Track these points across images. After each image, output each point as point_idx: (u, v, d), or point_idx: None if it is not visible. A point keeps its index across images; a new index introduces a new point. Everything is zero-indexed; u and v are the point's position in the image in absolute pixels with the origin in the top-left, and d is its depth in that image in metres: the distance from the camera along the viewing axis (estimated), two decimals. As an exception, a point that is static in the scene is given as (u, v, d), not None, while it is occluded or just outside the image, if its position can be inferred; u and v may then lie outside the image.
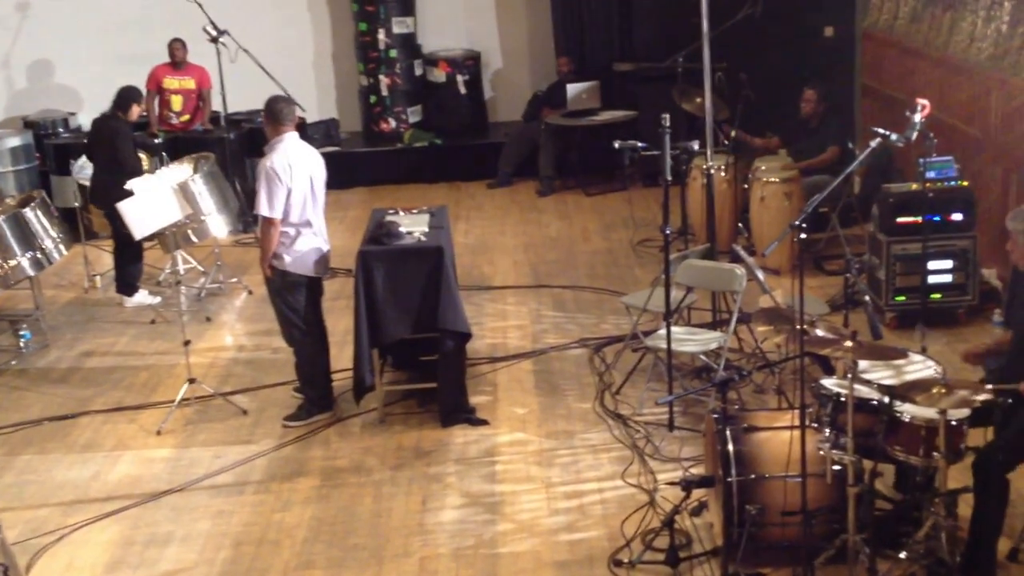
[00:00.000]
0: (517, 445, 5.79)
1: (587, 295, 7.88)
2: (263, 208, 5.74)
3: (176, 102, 10.02)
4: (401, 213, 6.57)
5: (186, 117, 10.06)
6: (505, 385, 6.52)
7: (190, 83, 10.02)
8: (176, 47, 9.92)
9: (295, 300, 5.99)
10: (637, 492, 5.20)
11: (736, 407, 5.57)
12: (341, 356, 6.45)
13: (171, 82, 9.98)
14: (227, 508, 5.33)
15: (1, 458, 5.93)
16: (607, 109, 10.70)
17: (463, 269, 7.95)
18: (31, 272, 7.15)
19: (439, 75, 11.63)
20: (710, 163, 6.94)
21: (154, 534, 5.12)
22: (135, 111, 7.97)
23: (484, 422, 6.03)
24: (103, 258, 8.83)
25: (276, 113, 5.93)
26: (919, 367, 4.56)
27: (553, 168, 10.73)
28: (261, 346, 7.31)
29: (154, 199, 6.36)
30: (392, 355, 6.55)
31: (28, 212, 7.13)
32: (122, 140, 7.84)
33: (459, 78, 11.63)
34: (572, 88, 10.65)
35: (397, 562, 4.81)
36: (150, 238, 6.96)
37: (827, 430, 4.35)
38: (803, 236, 4.20)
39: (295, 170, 5.80)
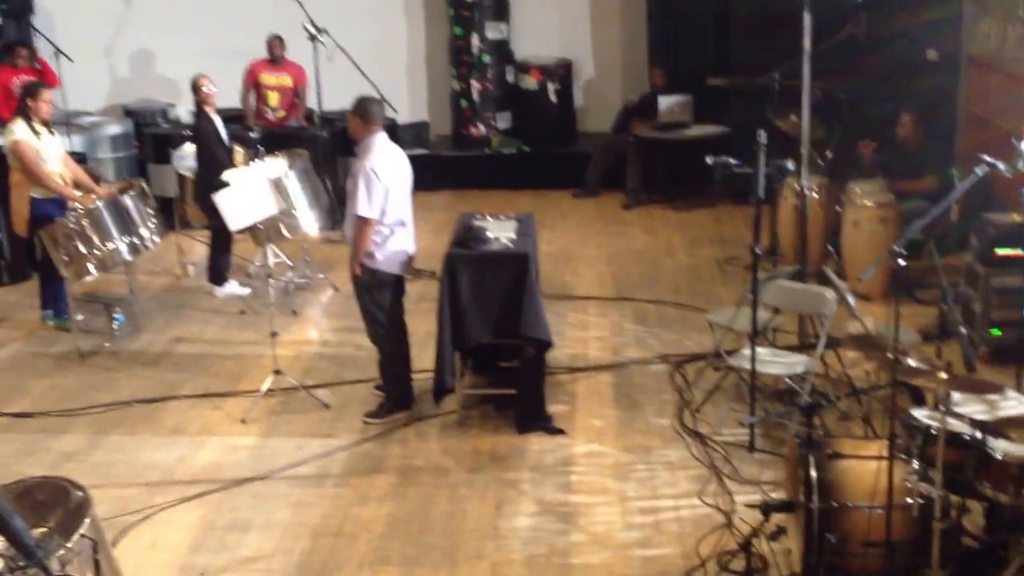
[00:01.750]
0: (593, 456, 5.79)
1: (670, 310, 7.84)
2: (362, 208, 5.82)
3: (272, 98, 10.21)
4: (488, 218, 6.61)
5: (282, 113, 10.24)
6: (583, 396, 6.52)
7: (287, 80, 10.20)
8: (275, 43, 10.11)
9: (382, 298, 6.07)
10: (714, 512, 5.16)
11: (820, 433, 5.49)
12: (422, 357, 6.51)
13: (268, 78, 10.17)
14: (306, 499, 5.41)
15: (91, 436, 6.10)
16: (698, 124, 10.62)
17: (545, 277, 7.95)
18: (128, 257, 7.32)
19: (530, 82, 11.68)
20: (804, 183, 6.86)
21: (235, 520, 5.22)
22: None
23: (561, 431, 6.03)
24: (196, 247, 9.03)
25: (368, 114, 6.00)
26: (1014, 404, 4.46)
27: (640, 181, 10.69)
28: (344, 342, 7.41)
29: (251, 192, 6.48)
30: (472, 359, 6.59)
31: (127, 199, 7.31)
32: (202, 136, 8.01)
33: (550, 86, 11.66)
34: (664, 101, 10.61)
35: (470, 564, 4.84)
36: (243, 230, 7.11)
37: (915, 462, 4.27)
38: (901, 263, 4.14)
39: (392, 171, 5.90)
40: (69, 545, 3.40)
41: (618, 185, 10.81)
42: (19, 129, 7.16)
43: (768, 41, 9.70)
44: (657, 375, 6.75)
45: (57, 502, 3.71)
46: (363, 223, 5.86)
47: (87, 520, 3.60)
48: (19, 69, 9.57)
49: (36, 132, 7.22)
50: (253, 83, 10.19)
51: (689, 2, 11.11)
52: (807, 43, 6.66)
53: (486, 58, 11.54)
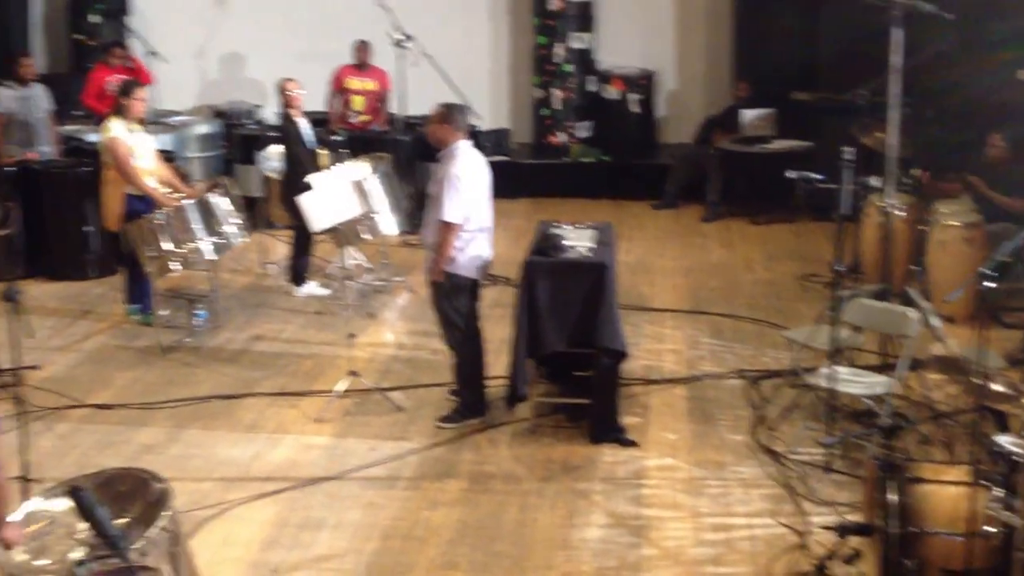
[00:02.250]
0: (666, 470, 5.74)
1: (747, 325, 7.76)
2: (448, 213, 5.86)
3: (357, 102, 10.33)
4: (567, 227, 6.61)
5: (365, 117, 10.37)
6: (657, 408, 6.47)
7: (371, 85, 10.32)
8: (361, 49, 10.24)
9: (460, 303, 6.10)
10: (788, 533, 5.07)
11: (900, 456, 5.37)
12: (495, 364, 6.52)
13: (353, 82, 10.31)
14: (378, 501, 5.45)
15: (170, 430, 6.22)
16: (781, 138, 10.51)
17: (622, 288, 7.87)
18: (211, 255, 7.45)
19: (612, 92, 11.66)
20: (890, 201, 6.73)
21: (308, 518, 5.28)
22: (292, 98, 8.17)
23: (634, 443, 6.00)
24: (277, 247, 9.17)
25: (454, 120, 6.05)
26: (1104, 434, 4.31)
27: (720, 194, 10.61)
28: (420, 346, 7.46)
29: (333, 194, 6.56)
30: (546, 367, 6.58)
31: (213, 198, 7.45)
32: (288, 138, 8.13)
33: (632, 96, 11.63)
34: (747, 114, 10.52)
35: (539, 574, 4.83)
36: (324, 232, 7.20)
37: (998, 490, 4.15)
38: (991, 285, 4.04)
39: (475, 177, 5.94)
40: (148, 536, 3.46)
41: (697, 198, 10.74)
42: (115, 127, 7.35)
43: (856, 56, 9.58)
44: (732, 390, 6.67)
45: (138, 493, 3.77)
46: (447, 228, 5.90)
47: (167, 513, 3.66)
48: (113, 68, 9.82)
49: (131, 130, 7.40)
50: (339, 87, 10.33)
51: (776, 14, 11.00)
52: (896, 59, 6.55)
53: (569, 67, 11.55)
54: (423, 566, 4.89)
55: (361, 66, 10.29)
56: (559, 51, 11.51)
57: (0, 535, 3.31)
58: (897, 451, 5.10)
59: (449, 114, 6.05)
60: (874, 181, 6.46)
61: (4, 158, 8.77)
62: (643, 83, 11.67)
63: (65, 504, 3.89)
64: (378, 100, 10.40)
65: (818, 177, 6.58)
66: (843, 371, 5.88)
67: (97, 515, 2.92)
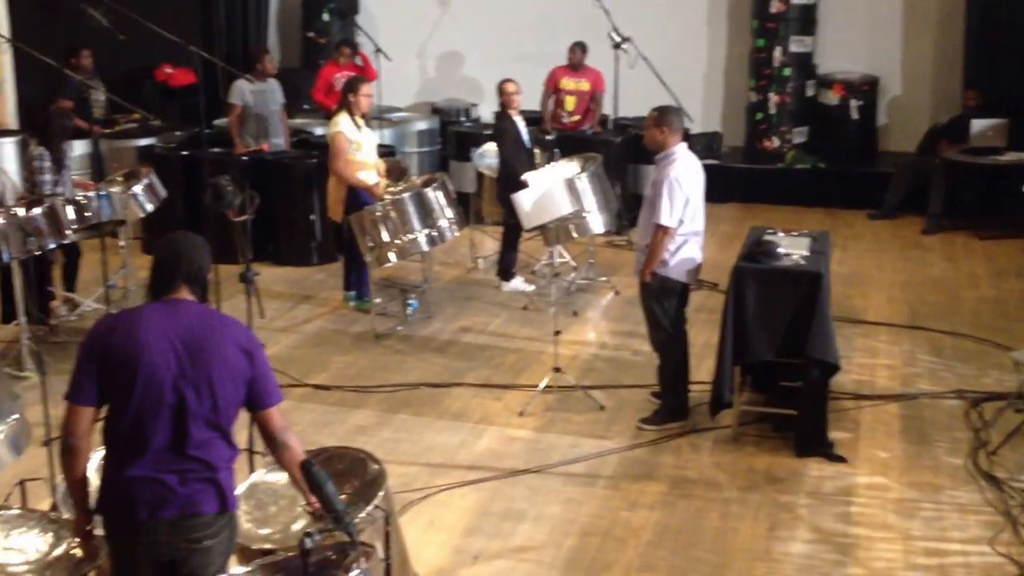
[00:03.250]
0: (876, 489, 5.54)
1: (968, 344, 7.38)
2: (664, 217, 5.85)
3: (570, 102, 10.43)
4: (781, 234, 6.47)
5: (577, 117, 10.45)
6: (868, 425, 6.25)
7: (585, 85, 10.40)
8: (575, 51, 10.32)
9: (669, 305, 6.08)
10: (1006, 562, 4.81)
11: None
12: (698, 369, 6.46)
13: (568, 83, 10.40)
14: (577, 497, 5.50)
15: (381, 414, 6.46)
16: (1013, 150, 9.94)
17: (834, 299, 7.64)
18: (425, 248, 7.68)
19: (832, 97, 11.33)
20: None
21: (509, 509, 5.38)
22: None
23: (842, 459, 5.81)
24: (487, 242, 9.38)
25: (670, 123, 6.02)
26: None
27: (943, 206, 10.14)
28: (622, 346, 7.47)
29: (547, 193, 6.65)
30: (752, 375, 6.47)
31: (430, 192, 7.68)
32: (504, 136, 8.28)
33: (852, 102, 11.28)
34: (977, 124, 10.01)
35: (739, 584, 4.77)
36: (534, 229, 7.31)
37: None
38: None
39: (692, 181, 5.91)
40: (364, 514, 3.61)
41: (917, 209, 10.30)
42: (342, 122, 7.69)
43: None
44: (951, 411, 6.37)
45: (355, 472, 3.95)
46: (662, 231, 5.88)
47: (381, 492, 3.82)
48: (341, 65, 10.27)
49: (356, 125, 7.73)
50: (553, 88, 10.45)
51: (1012, 20, 10.41)
52: None
53: (787, 71, 11.29)
54: (621, 566, 4.89)
55: (575, 67, 10.38)
56: (777, 54, 11.26)
57: None
58: None
59: (666, 117, 6.02)
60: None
61: (240, 148, 9.31)
62: (865, 89, 11.28)
63: (286, 477, 4.13)
64: (590, 101, 10.46)
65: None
66: (1076, 398, 5.52)
67: (327, 491, 3.08)
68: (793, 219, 9.96)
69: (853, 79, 11.28)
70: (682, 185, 5.85)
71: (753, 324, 5.87)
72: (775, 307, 5.85)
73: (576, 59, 10.35)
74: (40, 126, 7.54)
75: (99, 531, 3.46)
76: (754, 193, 11.13)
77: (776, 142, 11.44)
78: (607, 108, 10.49)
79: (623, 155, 10.12)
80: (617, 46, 9.41)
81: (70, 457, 3.33)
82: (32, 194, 7.19)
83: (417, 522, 5.26)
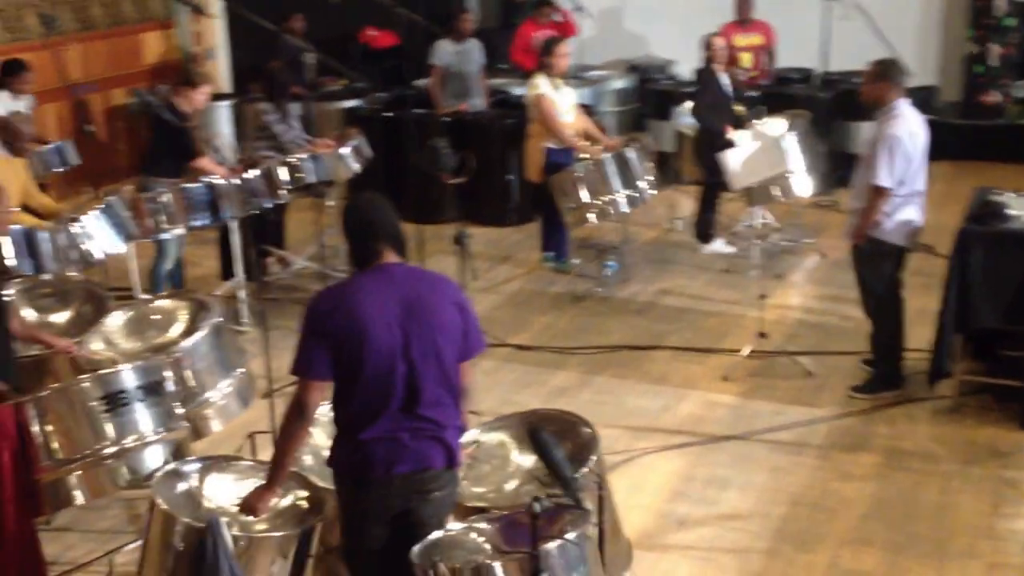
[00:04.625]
0: (1113, 468, 5.17)
1: None
2: (882, 177, 5.58)
3: (745, 59, 9.97)
4: (1011, 194, 6.06)
5: (754, 73, 10.01)
6: (1104, 399, 5.83)
7: (757, 39, 9.97)
8: (743, 3, 9.87)
9: (883, 270, 5.81)
10: None
11: None
12: (913, 335, 6.15)
13: (739, 39, 9.95)
14: (784, 466, 5.35)
15: (582, 375, 6.45)
16: None
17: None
18: (625, 209, 7.57)
19: (1060, 48, 10.54)
20: None
21: (713, 475, 5.29)
22: None
23: (1074, 435, 5.45)
24: (684, 203, 9.20)
25: (891, 77, 5.73)
26: None
27: None
28: (829, 311, 7.21)
29: (756, 152, 6.45)
30: (974, 343, 6.12)
31: (630, 152, 7.58)
32: (706, 91, 8.07)
33: (1085, 53, 10.46)
34: None
35: (962, 561, 4.53)
36: (737, 190, 7.11)
37: None
38: None
39: (916, 139, 5.62)
40: (580, 478, 3.60)
41: None
42: (542, 83, 7.66)
43: None
44: None
45: (566, 436, 3.92)
46: (878, 192, 5.61)
47: (594, 457, 3.80)
48: (540, 24, 10.23)
49: (555, 86, 7.69)
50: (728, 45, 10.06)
51: None
52: None
53: (1010, 21, 10.55)
54: (835, 538, 4.74)
55: (743, 22, 9.95)
56: (1000, 2, 10.54)
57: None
58: None
59: (887, 71, 5.73)
60: None
61: (441, 108, 9.42)
62: (1098, 37, 10.44)
63: (498, 437, 4.17)
64: (764, 54, 10.03)
65: None
66: None
67: (555, 456, 3.08)
68: (1015, 177, 9.33)
69: (1085, 26, 10.46)
70: (903, 143, 5.55)
71: (978, 290, 5.56)
72: (1003, 272, 5.53)
73: (744, 13, 9.89)
74: (264, 85, 7.89)
75: (325, 484, 3.57)
76: (971, 151, 10.46)
77: (997, 96, 10.74)
78: (808, 62, 10.02)
79: (833, 112, 9.70)
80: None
81: (301, 425, 3.44)
82: (258, 151, 7.51)
83: (621, 485, 5.18)
